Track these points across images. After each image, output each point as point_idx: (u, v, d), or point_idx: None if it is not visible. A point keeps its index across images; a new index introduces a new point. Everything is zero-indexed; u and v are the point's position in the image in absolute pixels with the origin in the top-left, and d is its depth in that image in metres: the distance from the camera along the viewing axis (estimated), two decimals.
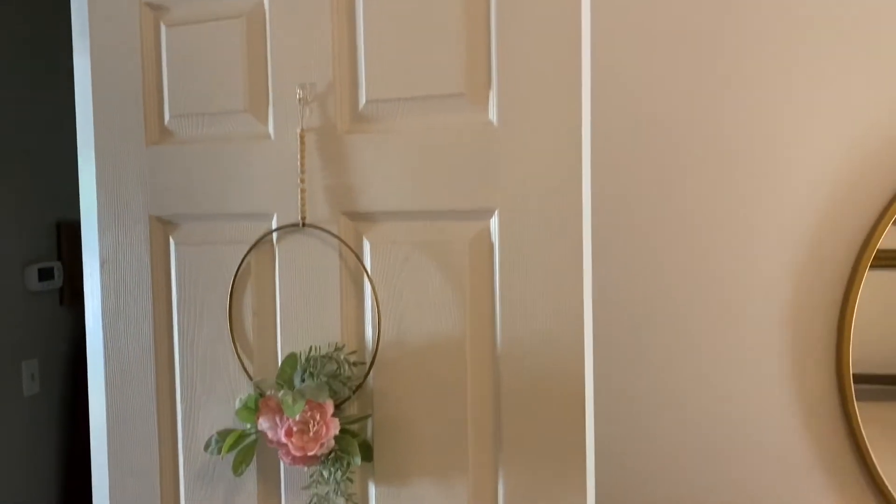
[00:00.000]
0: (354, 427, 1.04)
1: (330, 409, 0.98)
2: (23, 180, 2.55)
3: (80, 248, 2.80)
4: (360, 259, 1.03)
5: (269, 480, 1.11)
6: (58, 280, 2.72)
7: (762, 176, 1.24)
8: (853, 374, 1.21)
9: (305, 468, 1.02)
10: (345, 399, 1.03)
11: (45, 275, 2.66)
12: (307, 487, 1.02)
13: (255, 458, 1.08)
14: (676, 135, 1.26)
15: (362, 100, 1.03)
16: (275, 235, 1.09)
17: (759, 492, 1.29)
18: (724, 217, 1.26)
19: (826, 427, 1.25)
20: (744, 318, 1.28)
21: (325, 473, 1.00)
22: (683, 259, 1.29)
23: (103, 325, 1.23)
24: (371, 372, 1.03)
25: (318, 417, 0.97)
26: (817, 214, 1.21)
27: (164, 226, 1.18)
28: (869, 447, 1.20)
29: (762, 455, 1.30)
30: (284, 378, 1.03)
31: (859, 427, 1.20)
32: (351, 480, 1.03)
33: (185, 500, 1.17)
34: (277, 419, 0.99)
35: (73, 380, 2.80)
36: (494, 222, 0.97)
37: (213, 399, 1.14)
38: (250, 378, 1.10)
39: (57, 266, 2.72)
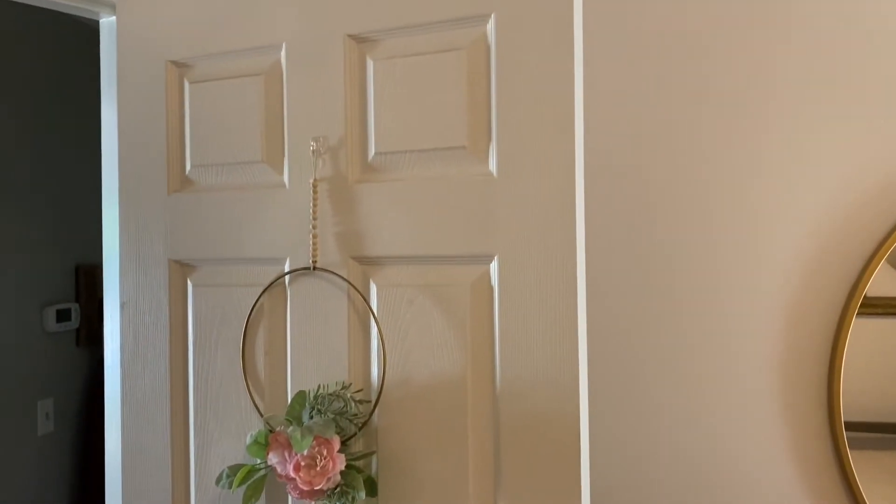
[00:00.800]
0: (360, 463, 1.08)
1: (336, 444, 1.03)
2: (45, 224, 2.64)
3: (97, 291, 2.87)
4: (367, 301, 1.09)
5: None
6: (74, 321, 2.79)
7: (749, 226, 1.29)
8: (845, 422, 1.24)
9: (313, 502, 1.06)
10: (351, 436, 1.07)
11: (62, 316, 2.72)
12: None
13: (263, 492, 1.12)
14: (666, 185, 1.32)
15: (371, 152, 1.10)
16: (287, 278, 1.15)
17: None
18: (713, 266, 1.31)
19: (820, 474, 1.28)
20: (735, 364, 1.31)
21: None
22: (677, 306, 1.33)
23: (121, 364, 1.29)
24: (376, 410, 1.08)
25: (325, 453, 1.02)
26: (805, 262, 1.26)
27: (182, 269, 1.24)
28: (863, 494, 1.22)
29: (757, 500, 1.33)
30: (293, 415, 1.08)
31: (853, 474, 1.22)
32: None
33: None
34: (286, 454, 1.04)
35: (87, 420, 2.84)
36: (494, 267, 1.02)
37: (225, 435, 1.19)
38: (261, 414, 1.14)
39: (74, 307, 2.79)
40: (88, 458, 2.82)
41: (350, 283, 1.10)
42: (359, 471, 1.06)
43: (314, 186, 1.11)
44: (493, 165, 1.02)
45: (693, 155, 1.31)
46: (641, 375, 1.36)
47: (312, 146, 1.11)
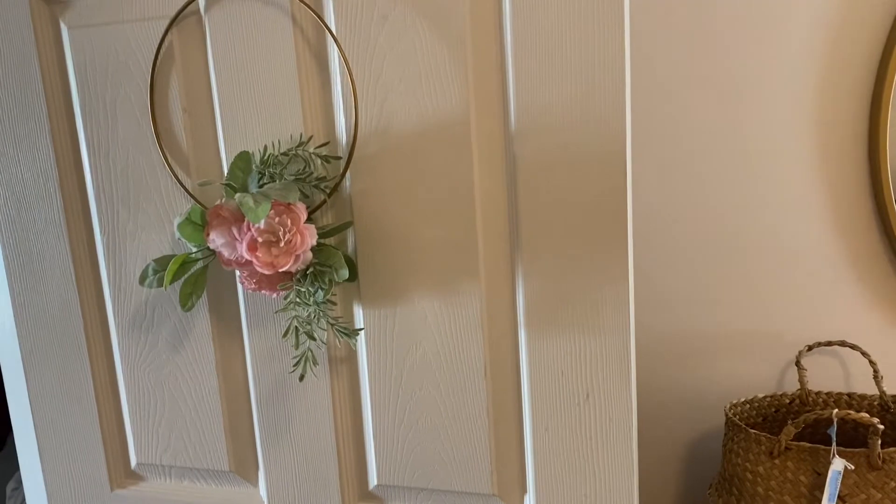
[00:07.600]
0: (331, 241, 0.83)
1: (303, 213, 0.77)
2: None
3: None
4: (321, 19, 0.79)
5: (225, 316, 0.90)
6: None
7: None
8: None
9: (274, 295, 0.81)
10: (318, 206, 0.81)
11: None
12: (283, 310, 0.82)
13: (206, 288, 0.86)
14: None
15: None
16: (201, 3, 0.82)
17: (787, 290, 1.21)
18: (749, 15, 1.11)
19: (858, 226, 1.15)
20: (769, 102, 1.15)
21: (303, 295, 0.79)
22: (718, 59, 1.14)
23: None
24: (349, 170, 0.81)
25: (289, 224, 0.76)
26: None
27: (49, 7, 0.89)
28: None
29: (790, 255, 1.20)
30: (237, 183, 0.80)
31: (892, 228, 1.08)
32: (333, 303, 0.83)
33: (121, 354, 0.96)
34: (235, 231, 0.77)
35: None
36: None
37: (142, 226, 0.90)
38: (188, 192, 0.86)
39: None
40: None
41: None
42: (334, 247, 0.81)
43: None
44: None
45: None
46: (681, 127, 1.19)
47: None
